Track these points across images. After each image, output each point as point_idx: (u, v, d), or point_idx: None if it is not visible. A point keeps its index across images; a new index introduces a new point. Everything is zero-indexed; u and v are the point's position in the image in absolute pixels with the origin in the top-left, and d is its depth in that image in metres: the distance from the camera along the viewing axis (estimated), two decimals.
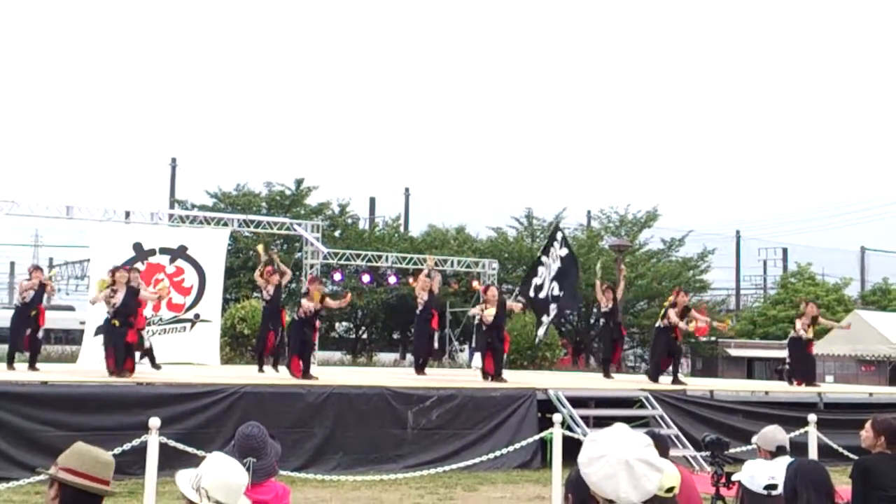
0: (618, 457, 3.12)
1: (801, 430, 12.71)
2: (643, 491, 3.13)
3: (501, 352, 17.07)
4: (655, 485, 3.18)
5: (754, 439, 6.82)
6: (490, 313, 16.69)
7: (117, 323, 14.60)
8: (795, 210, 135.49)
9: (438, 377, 18.22)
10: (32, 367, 15.86)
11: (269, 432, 5.58)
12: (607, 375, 19.38)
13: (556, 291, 18.45)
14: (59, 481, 3.81)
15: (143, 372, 15.03)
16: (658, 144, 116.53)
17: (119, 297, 14.58)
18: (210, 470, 4.39)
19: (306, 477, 10.58)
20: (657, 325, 18.30)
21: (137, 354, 15.32)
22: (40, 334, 16.60)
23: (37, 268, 17.14)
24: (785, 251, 59.85)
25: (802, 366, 18.73)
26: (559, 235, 19.49)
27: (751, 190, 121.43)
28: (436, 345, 19.76)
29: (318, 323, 16.78)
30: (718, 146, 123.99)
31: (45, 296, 16.99)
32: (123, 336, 14.53)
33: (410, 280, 28.30)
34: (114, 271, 15.25)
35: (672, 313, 17.41)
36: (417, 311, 19.67)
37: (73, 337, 30.29)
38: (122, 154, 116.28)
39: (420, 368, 19.33)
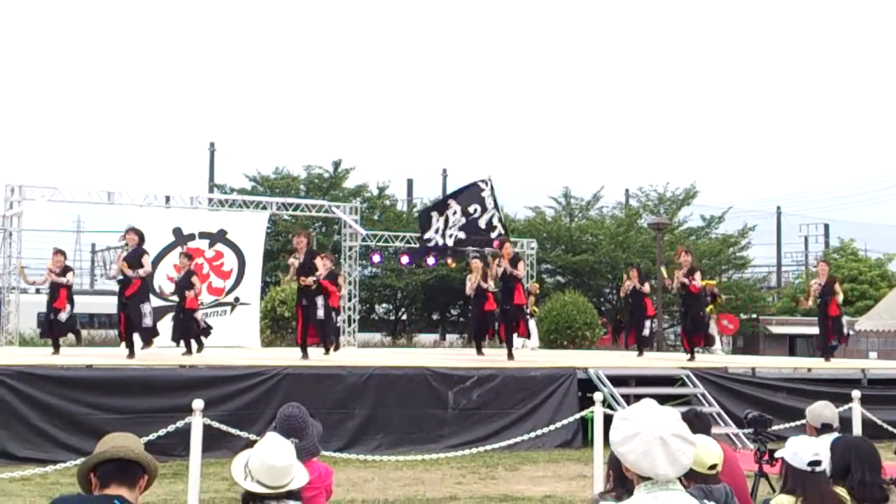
0: (652, 433, 3.13)
1: (845, 407, 12.58)
2: (680, 466, 3.14)
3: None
4: (690, 459, 3.19)
5: (806, 412, 6.77)
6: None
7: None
8: (837, 185, 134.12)
9: (478, 357, 18.20)
10: (56, 351, 16.17)
11: (310, 412, 5.62)
12: (641, 353, 19.45)
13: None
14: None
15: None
16: (697, 121, 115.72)
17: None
18: (256, 451, 4.44)
19: (348, 457, 10.63)
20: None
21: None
22: (62, 317, 16.72)
23: (59, 251, 17.05)
24: (826, 227, 59.27)
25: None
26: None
27: (791, 165, 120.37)
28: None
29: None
30: (758, 121, 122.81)
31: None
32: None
33: (449, 261, 28.32)
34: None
35: (679, 275, 17.45)
36: (471, 294, 19.23)
37: (116, 321, 30.53)
38: (161, 140, 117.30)
39: (479, 349, 19.33)
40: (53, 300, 16.47)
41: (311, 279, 15.61)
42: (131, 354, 14.94)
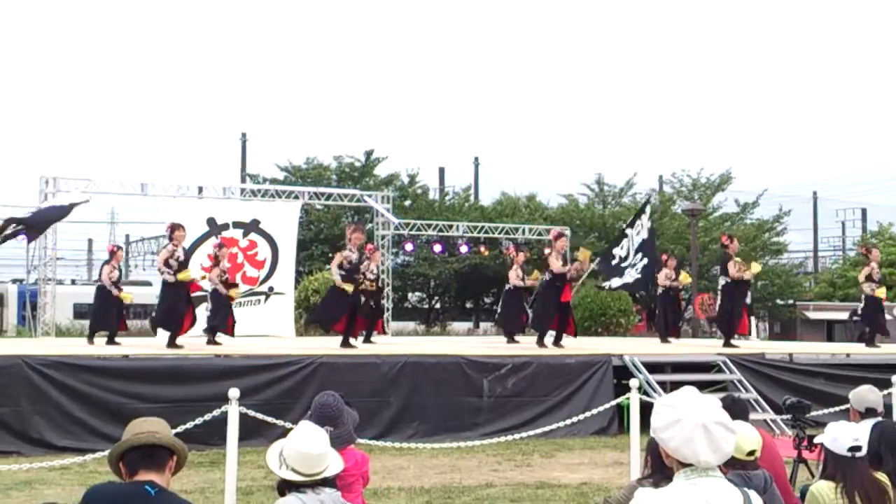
0: (695, 420, 3.14)
1: (885, 392, 12.43)
2: (722, 453, 3.16)
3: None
4: (732, 446, 3.21)
5: (850, 396, 6.69)
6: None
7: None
8: (874, 169, 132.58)
9: (513, 345, 18.17)
10: (112, 341, 16.33)
11: (346, 400, 5.62)
12: (665, 340, 19.19)
13: (639, 261, 18.67)
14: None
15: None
16: (731, 106, 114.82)
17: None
18: (290, 439, 4.45)
19: (384, 445, 10.64)
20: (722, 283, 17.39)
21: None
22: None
23: (119, 247, 17.61)
24: (864, 211, 58.70)
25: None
26: (648, 209, 19.78)
27: (828, 149, 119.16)
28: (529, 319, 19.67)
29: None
30: (793, 105, 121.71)
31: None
32: None
33: (482, 249, 28.32)
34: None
35: (731, 266, 16.93)
36: (511, 286, 19.09)
37: (151, 311, 30.76)
38: (194, 130, 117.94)
39: (511, 338, 19.27)
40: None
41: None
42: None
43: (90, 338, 17.20)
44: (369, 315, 18.03)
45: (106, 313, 16.94)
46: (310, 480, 4.38)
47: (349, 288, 15.37)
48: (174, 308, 15.28)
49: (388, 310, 25.96)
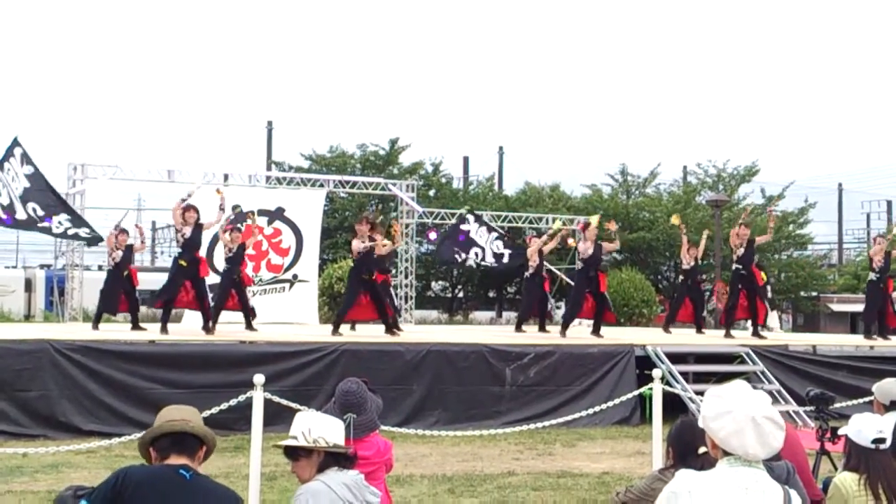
0: (745, 413, 3.20)
1: None
2: (770, 448, 3.22)
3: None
4: (780, 442, 3.27)
5: (873, 389, 6.67)
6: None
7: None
8: None
9: (536, 334, 18.18)
10: (136, 326, 16.18)
11: (370, 387, 5.64)
12: (667, 330, 19.14)
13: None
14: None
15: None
16: (756, 96, 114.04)
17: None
18: (310, 420, 4.57)
19: (406, 432, 10.70)
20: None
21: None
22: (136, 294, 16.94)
23: (123, 230, 17.22)
24: (889, 203, 58.27)
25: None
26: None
27: (853, 141, 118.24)
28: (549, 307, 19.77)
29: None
30: (819, 97, 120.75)
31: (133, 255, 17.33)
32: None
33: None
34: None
35: (739, 251, 16.93)
36: (528, 274, 19.35)
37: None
38: (220, 118, 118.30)
39: (518, 327, 19.34)
40: (129, 277, 16.57)
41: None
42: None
43: (95, 322, 16.76)
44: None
45: (111, 296, 16.60)
46: (335, 450, 4.47)
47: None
48: (171, 285, 15.29)
49: (411, 298, 26.05)
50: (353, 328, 16.74)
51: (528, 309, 19.79)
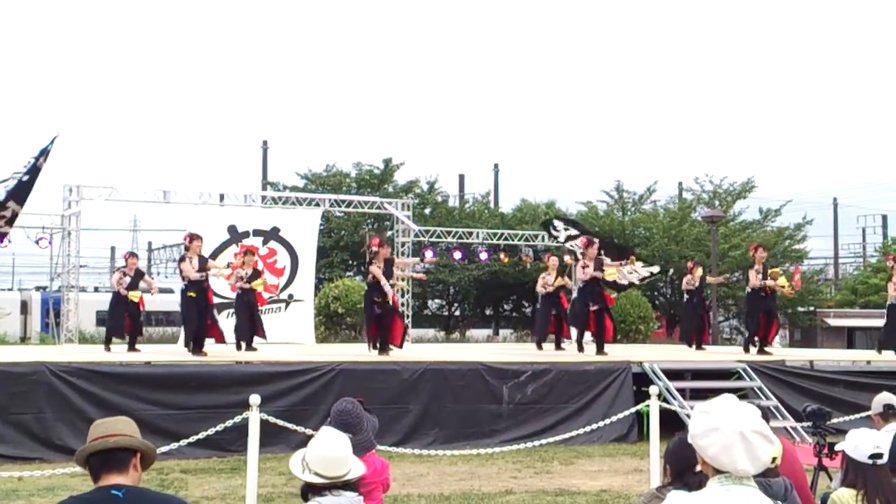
0: (733, 428, 3.16)
1: None
2: (759, 462, 3.17)
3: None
4: (770, 456, 3.22)
5: (873, 403, 6.67)
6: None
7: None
8: (895, 176, 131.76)
9: (534, 352, 18.17)
10: (132, 348, 16.48)
11: (365, 406, 5.63)
12: (700, 347, 19.27)
13: None
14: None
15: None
16: (751, 113, 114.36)
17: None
18: (312, 443, 4.49)
19: (403, 452, 10.67)
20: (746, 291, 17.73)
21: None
22: (141, 318, 17.40)
23: (132, 254, 17.95)
24: (885, 218, 58.33)
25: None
26: None
27: (848, 156, 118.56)
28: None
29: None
30: (813, 112, 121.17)
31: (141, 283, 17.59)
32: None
33: (502, 256, 28.26)
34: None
35: (752, 274, 17.03)
36: (544, 292, 19.77)
37: (172, 318, 30.91)
38: (215, 138, 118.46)
39: (539, 345, 19.91)
40: (136, 301, 17.11)
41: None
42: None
43: (106, 344, 17.55)
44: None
45: (117, 319, 17.26)
46: (331, 483, 4.41)
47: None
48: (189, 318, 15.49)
49: (408, 317, 26.02)
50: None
51: (545, 327, 19.97)
